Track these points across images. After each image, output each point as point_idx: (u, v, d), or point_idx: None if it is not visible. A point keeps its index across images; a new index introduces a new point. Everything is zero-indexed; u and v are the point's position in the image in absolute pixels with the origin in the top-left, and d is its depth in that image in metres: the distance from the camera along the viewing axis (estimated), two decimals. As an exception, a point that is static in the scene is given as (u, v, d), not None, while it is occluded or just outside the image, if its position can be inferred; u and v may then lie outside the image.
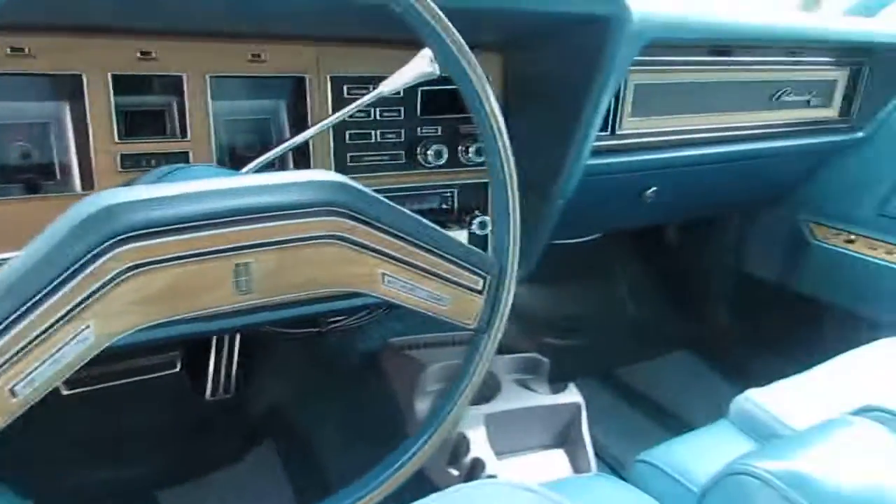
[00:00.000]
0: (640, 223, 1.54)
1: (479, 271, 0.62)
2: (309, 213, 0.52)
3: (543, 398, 1.22)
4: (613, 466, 1.28)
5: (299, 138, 0.73)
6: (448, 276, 0.60)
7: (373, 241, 0.55)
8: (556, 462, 1.19)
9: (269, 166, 0.72)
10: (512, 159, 0.63)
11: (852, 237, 1.48)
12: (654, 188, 1.25)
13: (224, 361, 1.33)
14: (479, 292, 0.63)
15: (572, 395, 1.23)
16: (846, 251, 1.48)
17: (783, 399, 1.00)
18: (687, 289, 1.88)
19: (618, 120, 1.08)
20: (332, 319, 1.46)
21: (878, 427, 0.59)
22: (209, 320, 0.74)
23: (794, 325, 1.55)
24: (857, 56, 1.32)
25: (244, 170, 0.69)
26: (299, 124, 0.85)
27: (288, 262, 0.52)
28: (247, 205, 0.50)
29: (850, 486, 0.52)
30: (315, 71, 0.85)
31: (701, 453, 0.90)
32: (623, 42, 0.88)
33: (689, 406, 1.42)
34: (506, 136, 0.62)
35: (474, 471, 1.10)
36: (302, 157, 0.86)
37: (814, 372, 1.08)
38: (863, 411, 0.67)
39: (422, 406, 1.20)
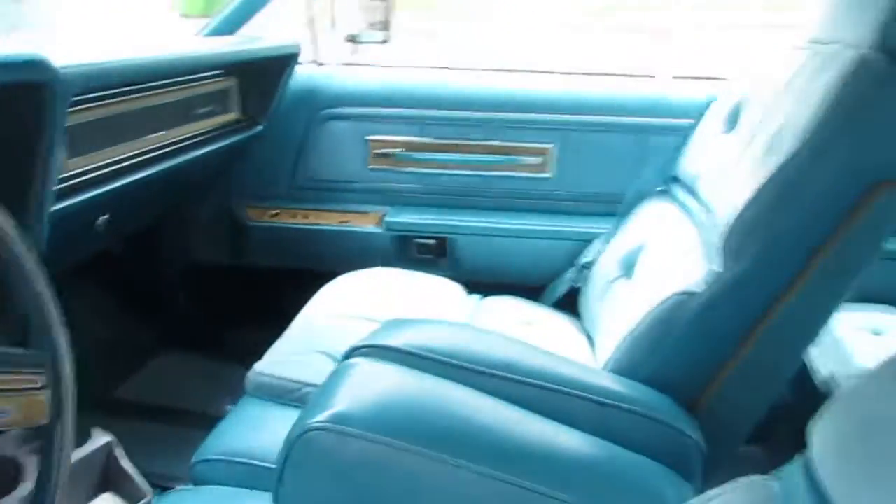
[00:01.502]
0: (92, 251, 1.54)
1: (33, 369, 0.62)
2: None
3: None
4: (171, 484, 1.31)
5: None
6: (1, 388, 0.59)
7: None
8: (111, 508, 1.17)
9: None
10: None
11: (276, 211, 1.79)
12: (106, 216, 1.29)
13: None
14: (43, 387, 0.62)
15: (99, 437, 1.20)
16: (274, 224, 1.79)
17: (285, 361, 1.21)
18: (150, 293, 1.94)
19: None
20: None
21: (374, 362, 0.84)
22: None
23: (260, 296, 1.80)
24: (235, 68, 1.57)
25: None
26: None
27: None
28: None
29: (381, 406, 0.75)
30: None
31: (251, 431, 1.04)
32: (57, 99, 0.90)
33: (208, 398, 1.54)
34: None
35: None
36: None
37: (292, 330, 1.33)
38: (354, 351, 0.91)
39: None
